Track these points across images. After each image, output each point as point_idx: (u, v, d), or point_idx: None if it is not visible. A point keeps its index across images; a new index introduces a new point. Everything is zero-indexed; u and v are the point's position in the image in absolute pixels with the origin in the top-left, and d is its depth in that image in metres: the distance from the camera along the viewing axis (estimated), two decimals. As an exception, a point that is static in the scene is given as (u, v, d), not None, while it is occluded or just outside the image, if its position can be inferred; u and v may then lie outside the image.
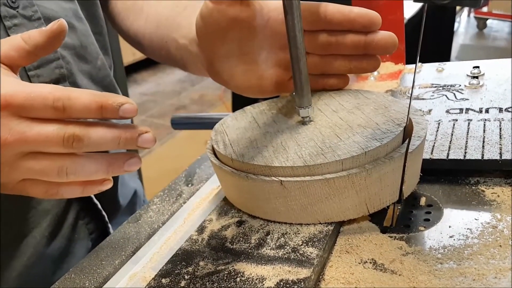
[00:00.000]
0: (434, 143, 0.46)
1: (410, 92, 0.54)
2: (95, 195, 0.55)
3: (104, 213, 0.54)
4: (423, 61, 0.68)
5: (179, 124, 0.70)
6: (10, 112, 0.30)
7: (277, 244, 0.37)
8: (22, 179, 0.34)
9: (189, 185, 0.53)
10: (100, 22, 0.60)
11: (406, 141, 0.38)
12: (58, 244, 0.50)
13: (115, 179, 0.59)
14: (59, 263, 0.50)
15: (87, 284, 0.39)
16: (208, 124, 0.63)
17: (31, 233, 0.48)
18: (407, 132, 0.40)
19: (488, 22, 3.86)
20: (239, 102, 2.47)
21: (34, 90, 0.31)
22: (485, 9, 3.52)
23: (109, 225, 0.55)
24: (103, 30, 0.60)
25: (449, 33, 2.26)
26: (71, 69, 0.51)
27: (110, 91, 0.60)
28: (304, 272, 0.33)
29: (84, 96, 0.30)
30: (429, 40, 1.94)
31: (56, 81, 0.50)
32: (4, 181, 0.33)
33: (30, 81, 0.48)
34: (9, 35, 0.46)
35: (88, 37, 0.55)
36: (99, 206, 0.53)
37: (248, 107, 0.51)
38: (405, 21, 0.86)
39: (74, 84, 0.52)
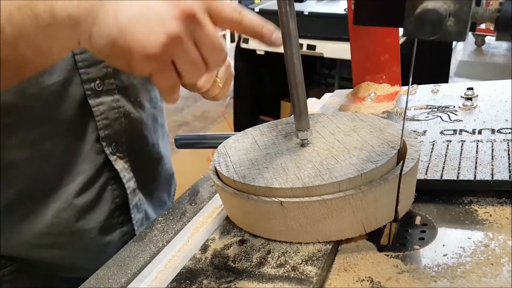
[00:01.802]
0: (429, 163, 0.48)
1: (404, 113, 0.56)
2: (137, 170, 0.60)
3: (127, 186, 0.60)
4: (422, 77, 0.70)
5: (182, 142, 0.71)
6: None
7: (277, 262, 0.38)
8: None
9: (193, 204, 0.54)
10: None
11: (400, 163, 0.40)
12: (86, 199, 0.56)
13: (160, 158, 0.67)
14: (84, 214, 0.57)
15: (94, 301, 0.40)
16: (211, 144, 0.65)
17: (66, 187, 0.55)
18: (401, 154, 0.42)
19: (487, 38, 3.90)
20: (240, 118, 2.49)
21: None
22: (483, 25, 3.57)
23: (129, 197, 0.60)
24: None
25: (448, 50, 2.30)
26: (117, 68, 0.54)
27: (151, 83, 0.64)
28: (303, 290, 0.35)
29: (256, 21, 0.35)
30: (427, 57, 1.97)
31: (103, 78, 0.54)
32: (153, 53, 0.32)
33: (81, 78, 0.53)
34: None
35: None
36: (124, 180, 0.59)
37: (249, 129, 0.53)
38: (402, 40, 0.88)
39: (120, 81, 0.56)
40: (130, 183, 0.60)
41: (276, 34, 0.37)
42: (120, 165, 0.58)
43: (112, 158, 0.57)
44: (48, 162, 0.53)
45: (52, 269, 0.58)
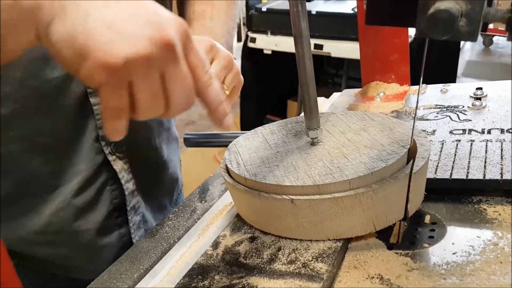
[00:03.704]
0: (438, 163, 0.48)
1: (414, 112, 0.57)
2: (137, 172, 0.60)
3: (125, 187, 0.59)
4: (430, 77, 0.70)
5: (192, 141, 0.72)
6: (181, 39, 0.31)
7: (288, 259, 0.39)
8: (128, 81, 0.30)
9: (203, 201, 0.55)
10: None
11: (411, 162, 0.40)
12: (84, 199, 0.56)
13: (160, 161, 0.65)
14: (82, 214, 0.57)
15: (108, 296, 0.41)
16: (221, 142, 0.65)
17: (64, 185, 0.55)
18: (411, 153, 0.42)
19: (494, 38, 3.88)
20: (247, 117, 2.50)
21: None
22: (491, 25, 3.54)
23: (127, 199, 0.60)
24: None
25: (456, 50, 2.29)
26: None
27: None
28: (314, 287, 0.35)
29: (216, 94, 0.35)
30: (436, 57, 1.97)
31: None
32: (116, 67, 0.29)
33: None
34: None
35: None
36: (122, 181, 0.59)
37: (259, 127, 0.53)
38: (410, 39, 0.88)
39: None
40: (128, 185, 0.59)
41: (228, 119, 0.35)
42: (119, 166, 0.58)
43: (111, 158, 0.57)
44: (46, 158, 0.53)
45: (49, 267, 0.58)
